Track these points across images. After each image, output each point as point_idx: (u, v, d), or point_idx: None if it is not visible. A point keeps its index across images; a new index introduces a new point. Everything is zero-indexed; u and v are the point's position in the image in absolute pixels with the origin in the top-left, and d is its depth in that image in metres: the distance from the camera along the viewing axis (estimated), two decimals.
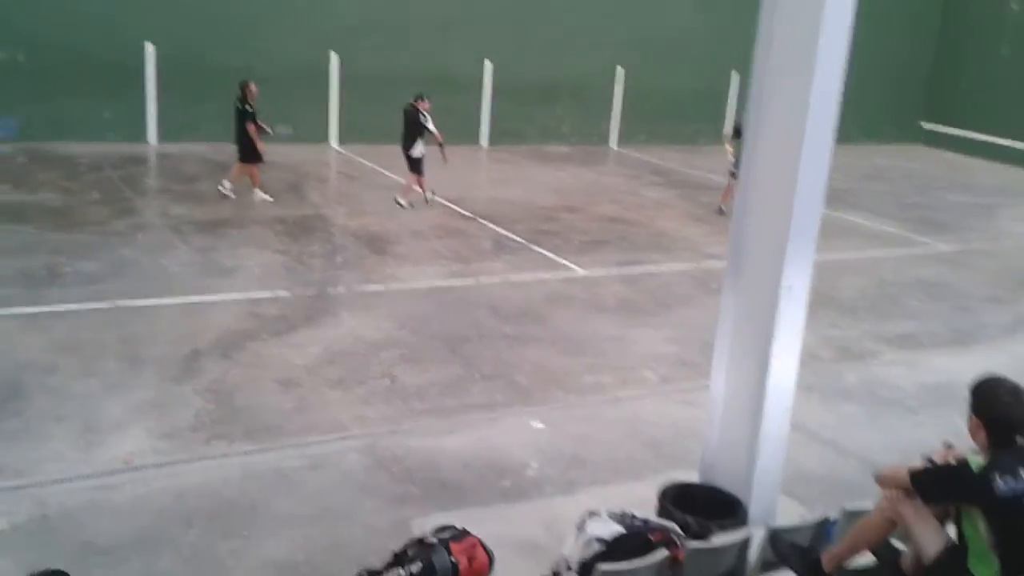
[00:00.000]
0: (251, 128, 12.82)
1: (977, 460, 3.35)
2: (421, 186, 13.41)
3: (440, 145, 13.30)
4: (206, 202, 12.77)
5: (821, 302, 10.71)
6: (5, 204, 11.79)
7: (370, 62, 17.82)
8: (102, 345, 7.64)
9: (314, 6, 17.42)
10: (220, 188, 13.02)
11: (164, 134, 16.63)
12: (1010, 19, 22.93)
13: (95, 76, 15.85)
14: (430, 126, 13.18)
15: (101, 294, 8.81)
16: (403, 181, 13.62)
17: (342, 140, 18.09)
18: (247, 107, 12.86)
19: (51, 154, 14.99)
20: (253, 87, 12.96)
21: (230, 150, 13.39)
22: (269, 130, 13.26)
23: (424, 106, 13.27)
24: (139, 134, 16.58)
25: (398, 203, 13.32)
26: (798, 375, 4.92)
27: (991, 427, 3.37)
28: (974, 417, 3.43)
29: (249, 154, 12.99)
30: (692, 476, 5.26)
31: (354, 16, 17.68)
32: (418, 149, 13.23)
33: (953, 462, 3.50)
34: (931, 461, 3.60)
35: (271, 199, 13.11)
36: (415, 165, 13.32)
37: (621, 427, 6.85)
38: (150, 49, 16.31)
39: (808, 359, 8.87)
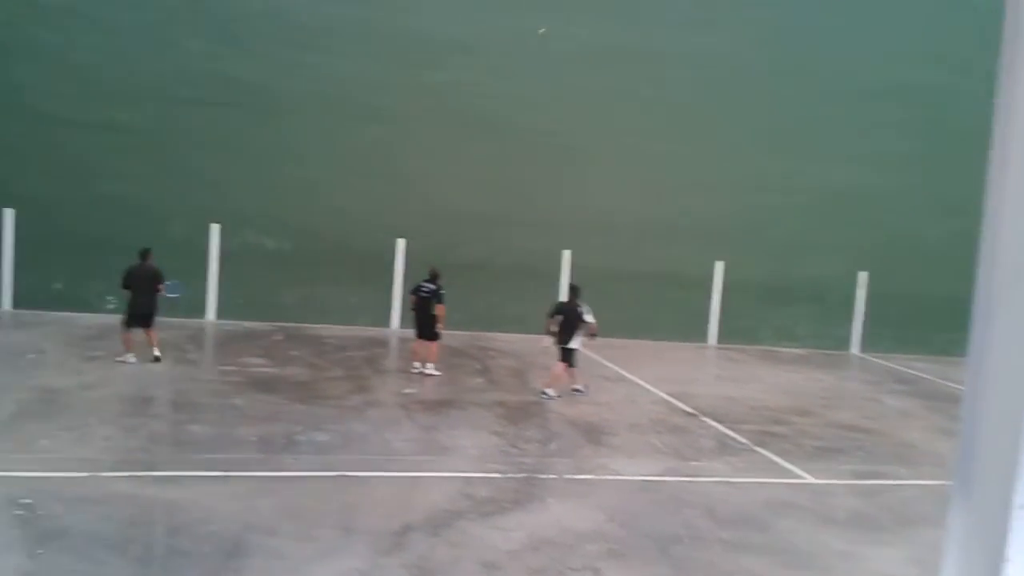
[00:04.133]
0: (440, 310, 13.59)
1: None
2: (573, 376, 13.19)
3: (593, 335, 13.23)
4: (439, 382, 13.29)
5: None
6: (259, 376, 12.90)
7: (600, 260, 18.42)
8: (322, 512, 7.93)
9: (551, 207, 18.41)
10: None
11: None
12: None
13: (351, 267, 17.50)
14: (588, 318, 13.01)
15: (329, 464, 9.25)
16: (624, 373, 13.53)
17: None
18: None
19: (304, 334, 16.40)
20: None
21: (461, 336, 13.92)
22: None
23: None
24: (384, 320, 17.89)
25: (544, 394, 12.87)
26: None
27: None
28: None
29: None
30: None
31: (585, 215, 18.49)
32: (576, 341, 13.06)
33: None
34: None
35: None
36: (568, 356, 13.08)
37: None
38: (400, 244, 17.83)
39: None
